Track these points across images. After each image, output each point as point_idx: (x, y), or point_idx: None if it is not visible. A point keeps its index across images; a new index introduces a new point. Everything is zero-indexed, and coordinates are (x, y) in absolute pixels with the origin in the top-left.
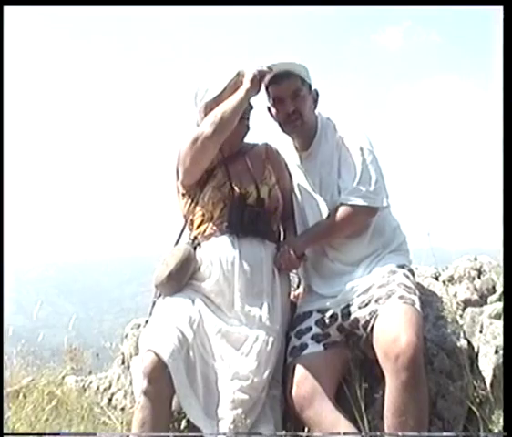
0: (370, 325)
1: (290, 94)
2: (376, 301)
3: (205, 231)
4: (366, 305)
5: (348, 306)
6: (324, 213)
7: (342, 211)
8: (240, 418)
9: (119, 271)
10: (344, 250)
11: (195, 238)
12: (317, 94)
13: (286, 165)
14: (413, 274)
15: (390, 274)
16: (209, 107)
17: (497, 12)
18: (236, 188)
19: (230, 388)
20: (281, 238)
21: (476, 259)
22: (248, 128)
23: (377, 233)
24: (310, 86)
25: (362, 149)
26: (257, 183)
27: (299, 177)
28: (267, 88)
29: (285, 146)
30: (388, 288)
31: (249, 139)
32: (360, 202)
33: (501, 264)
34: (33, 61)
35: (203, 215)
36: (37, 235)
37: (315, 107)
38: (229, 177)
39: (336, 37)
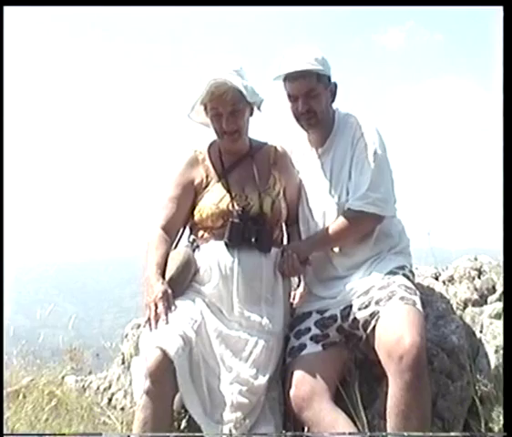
0: (371, 326)
1: (303, 93)
2: (377, 303)
3: (203, 236)
4: (366, 307)
5: (348, 307)
6: (329, 214)
7: (348, 217)
8: (239, 421)
9: (119, 271)
10: (349, 255)
11: (194, 240)
12: (335, 86)
13: (294, 169)
14: (413, 275)
15: (390, 275)
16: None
17: (497, 12)
18: (236, 201)
19: (230, 391)
20: (285, 243)
21: (476, 259)
22: (244, 138)
23: (383, 236)
24: (329, 79)
25: (375, 153)
26: (260, 192)
27: (310, 174)
28: (284, 80)
29: (300, 139)
30: (389, 289)
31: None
32: (368, 209)
33: (501, 264)
34: (33, 61)
35: (201, 225)
36: (37, 235)
37: (333, 101)
38: (228, 189)
39: (337, 38)
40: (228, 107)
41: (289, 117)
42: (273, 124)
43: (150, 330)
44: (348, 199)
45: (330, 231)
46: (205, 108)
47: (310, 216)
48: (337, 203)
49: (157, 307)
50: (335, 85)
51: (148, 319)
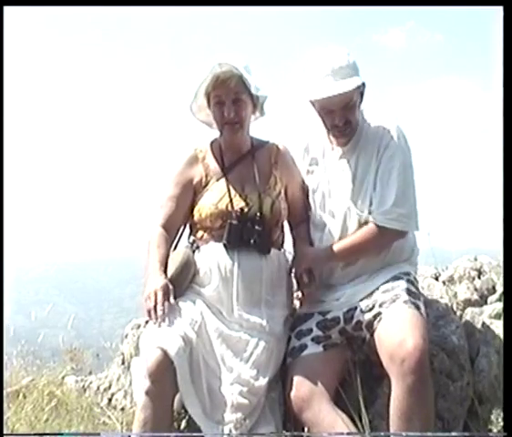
0: (374, 327)
1: (341, 107)
2: (380, 306)
3: (203, 236)
4: (370, 310)
5: (351, 310)
6: (351, 222)
7: (370, 231)
8: (239, 421)
9: (119, 271)
10: (360, 266)
11: (194, 241)
12: (364, 86)
13: (296, 167)
14: (417, 282)
15: (394, 280)
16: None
17: (497, 12)
18: (235, 201)
19: (231, 392)
20: (293, 245)
21: (476, 259)
22: (247, 133)
23: (398, 251)
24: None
25: (403, 165)
26: (260, 192)
27: (329, 175)
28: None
29: (319, 135)
30: (393, 293)
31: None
32: (391, 225)
33: (501, 264)
34: (33, 61)
35: (201, 225)
36: (37, 235)
37: (361, 102)
38: (228, 188)
39: (338, 38)
40: (231, 95)
41: (305, 113)
42: (286, 119)
43: (151, 319)
44: (371, 211)
45: (350, 243)
46: (208, 101)
47: (329, 220)
48: (358, 213)
49: (156, 297)
50: (364, 84)
51: (149, 310)
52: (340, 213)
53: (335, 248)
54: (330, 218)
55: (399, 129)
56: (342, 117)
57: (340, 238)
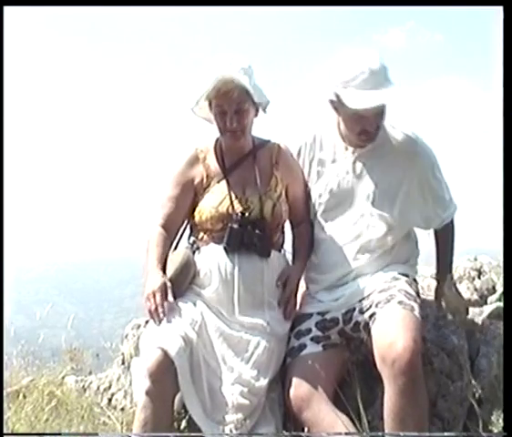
0: (369, 328)
1: (375, 113)
2: (376, 306)
3: (203, 238)
4: (367, 310)
5: (349, 311)
6: (376, 228)
7: (449, 229)
8: (240, 422)
9: (119, 271)
10: (359, 266)
11: (194, 242)
12: None
13: (298, 167)
14: (416, 283)
15: (392, 280)
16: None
17: (497, 12)
18: (236, 204)
19: (231, 392)
20: (292, 244)
21: (476, 259)
22: (247, 136)
23: (399, 252)
24: None
25: (436, 159)
26: (261, 195)
27: (343, 177)
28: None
29: (331, 133)
30: (388, 293)
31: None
32: (454, 215)
33: (501, 264)
34: (33, 61)
35: (201, 226)
36: (37, 235)
37: None
38: (229, 191)
39: (338, 38)
40: (233, 106)
41: (312, 112)
42: (287, 118)
43: (153, 320)
44: (437, 215)
45: (446, 250)
46: (209, 104)
47: (338, 223)
48: (384, 215)
49: (155, 299)
50: None
51: (150, 311)
52: (358, 216)
53: (443, 260)
54: (339, 220)
55: (416, 134)
56: (374, 123)
57: (361, 243)
